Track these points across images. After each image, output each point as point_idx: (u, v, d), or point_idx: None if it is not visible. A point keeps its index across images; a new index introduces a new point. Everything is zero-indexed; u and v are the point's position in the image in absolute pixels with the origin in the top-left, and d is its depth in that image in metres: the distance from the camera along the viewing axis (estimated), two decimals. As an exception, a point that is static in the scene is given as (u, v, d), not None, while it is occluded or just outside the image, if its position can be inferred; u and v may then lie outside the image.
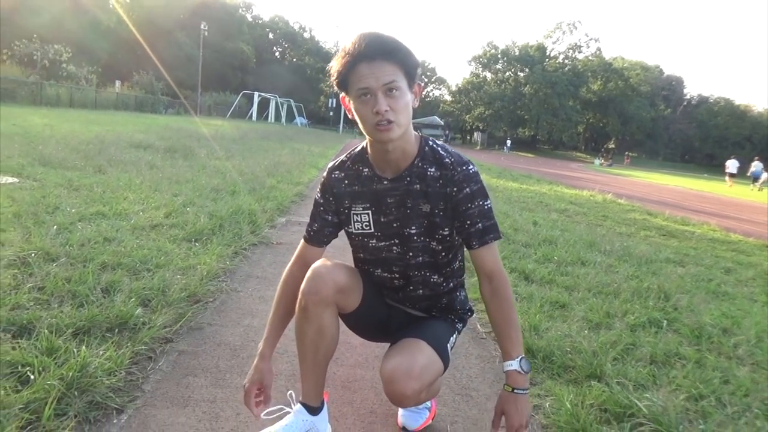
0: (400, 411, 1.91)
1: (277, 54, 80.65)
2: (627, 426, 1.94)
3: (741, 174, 32.65)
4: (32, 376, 1.78)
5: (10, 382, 1.73)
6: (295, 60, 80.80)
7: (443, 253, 1.70)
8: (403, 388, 1.52)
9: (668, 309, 3.42)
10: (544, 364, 2.46)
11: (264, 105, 51.66)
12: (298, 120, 56.79)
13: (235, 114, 47.55)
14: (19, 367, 1.83)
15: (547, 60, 71.22)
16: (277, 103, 52.54)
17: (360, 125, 1.53)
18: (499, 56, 73.16)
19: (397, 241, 1.68)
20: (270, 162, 10.29)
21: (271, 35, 79.18)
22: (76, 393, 1.76)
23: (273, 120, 50.93)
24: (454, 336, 1.78)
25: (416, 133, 1.63)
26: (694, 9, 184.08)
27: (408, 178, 1.60)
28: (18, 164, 5.95)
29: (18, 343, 1.99)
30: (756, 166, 29.16)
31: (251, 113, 49.45)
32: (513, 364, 1.52)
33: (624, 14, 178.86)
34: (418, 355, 1.57)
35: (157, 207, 4.64)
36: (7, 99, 22.76)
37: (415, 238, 1.66)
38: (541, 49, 71.87)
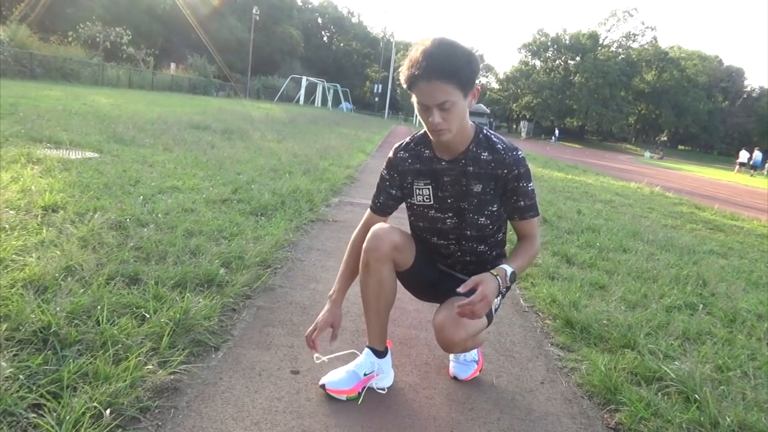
0: (451, 363, 2.20)
1: (324, 39, 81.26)
2: (654, 387, 2.17)
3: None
4: (147, 315, 2.15)
5: (131, 319, 2.10)
6: (342, 45, 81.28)
7: (490, 227, 1.96)
8: (451, 335, 1.84)
9: (705, 294, 3.58)
10: (581, 335, 2.70)
11: (311, 89, 52.32)
12: (344, 105, 57.31)
13: (282, 98, 48.42)
14: (135, 309, 2.20)
15: (599, 48, 69.39)
16: (324, 87, 53.14)
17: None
18: (549, 44, 71.72)
19: (451, 214, 1.95)
20: (320, 146, 10.66)
21: (319, 20, 79.80)
22: (182, 331, 2.12)
23: (320, 104, 51.56)
24: (498, 298, 2.03)
25: (471, 122, 1.86)
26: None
27: (463, 161, 1.86)
28: (96, 141, 6.48)
29: (130, 290, 2.37)
30: (756, 155, 35.84)
31: (299, 97, 50.20)
32: (507, 268, 1.81)
33: (683, 2, 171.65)
34: None
35: (224, 183, 5.04)
36: (72, 79, 24.02)
37: (468, 213, 1.92)
38: (594, 37, 70.02)
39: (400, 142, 2.01)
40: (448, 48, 1.63)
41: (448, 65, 1.61)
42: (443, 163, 1.88)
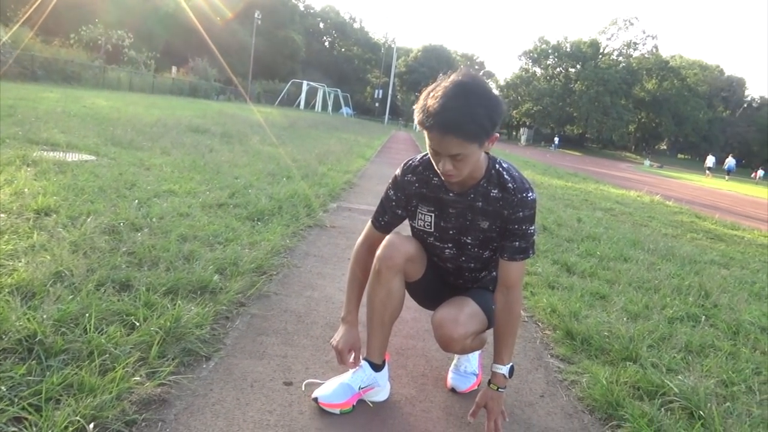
0: (450, 374, 2.15)
1: (326, 44, 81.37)
2: (658, 402, 2.11)
3: (718, 169, 42.01)
4: (137, 323, 2.09)
5: (120, 327, 2.04)
6: (343, 50, 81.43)
7: (493, 257, 1.92)
8: (450, 332, 1.82)
9: (707, 306, 3.53)
10: (582, 346, 2.64)
11: (311, 94, 52.39)
12: (344, 110, 57.40)
13: (283, 102, 48.46)
14: (124, 316, 2.15)
15: (600, 56, 69.57)
16: (324, 92, 53.22)
17: None
18: (550, 51, 71.89)
19: (451, 245, 1.90)
20: (320, 150, 10.62)
21: (321, 25, 79.94)
22: (172, 340, 2.06)
23: (320, 109, 51.63)
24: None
25: (485, 154, 1.77)
26: (762, 7, 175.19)
27: (472, 195, 1.79)
28: (94, 143, 6.43)
29: (120, 297, 2.31)
30: (729, 161, 39.47)
31: (299, 102, 50.27)
32: (503, 369, 1.83)
33: (685, 11, 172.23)
34: (464, 307, 1.87)
35: (221, 188, 4.99)
36: (73, 81, 24.01)
37: (470, 247, 1.88)
38: (595, 45, 70.20)
39: (408, 162, 1.91)
40: (469, 100, 1.51)
41: (466, 123, 1.50)
42: (451, 194, 1.81)
